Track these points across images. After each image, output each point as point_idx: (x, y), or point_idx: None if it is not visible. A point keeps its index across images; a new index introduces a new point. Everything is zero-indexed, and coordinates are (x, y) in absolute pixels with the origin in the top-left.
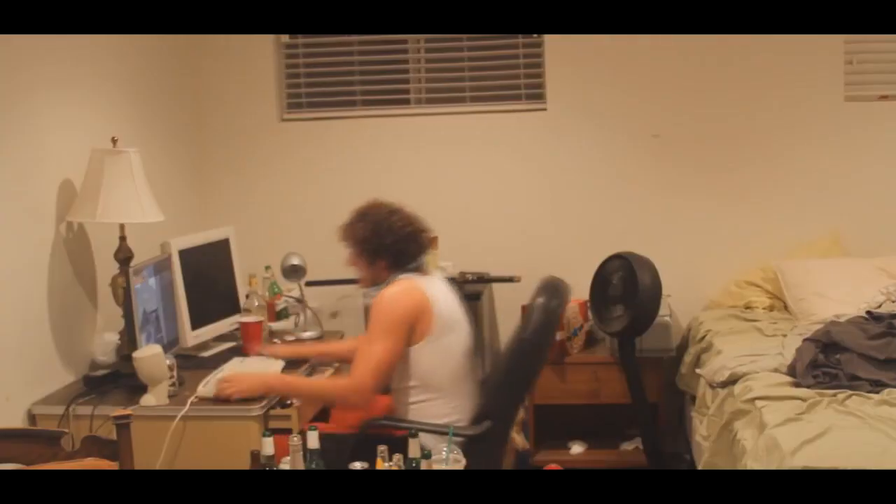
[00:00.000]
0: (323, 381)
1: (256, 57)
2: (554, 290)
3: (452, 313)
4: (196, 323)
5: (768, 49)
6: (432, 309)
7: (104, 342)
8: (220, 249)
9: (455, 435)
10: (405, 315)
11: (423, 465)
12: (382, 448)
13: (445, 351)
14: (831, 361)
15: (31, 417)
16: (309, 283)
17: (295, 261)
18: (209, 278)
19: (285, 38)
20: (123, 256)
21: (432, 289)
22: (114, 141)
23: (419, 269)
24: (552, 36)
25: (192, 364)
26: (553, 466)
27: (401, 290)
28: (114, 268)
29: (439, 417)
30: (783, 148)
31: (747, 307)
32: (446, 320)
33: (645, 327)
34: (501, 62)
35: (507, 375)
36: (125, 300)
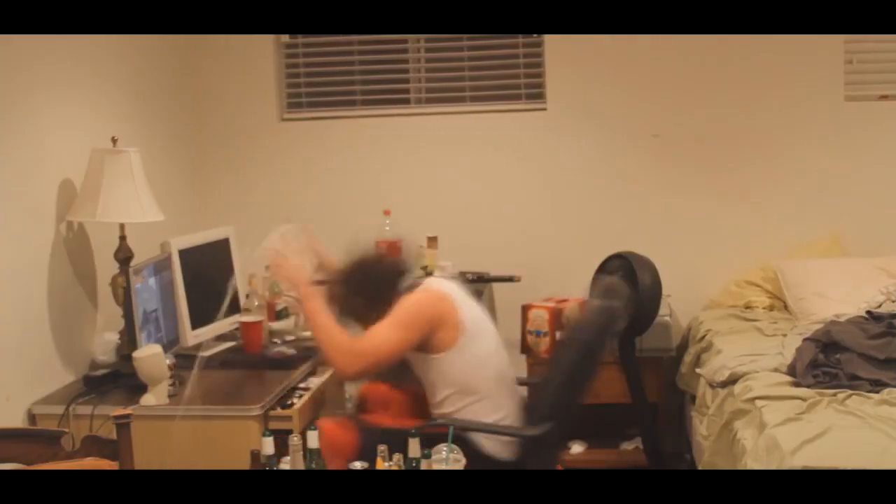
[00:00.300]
0: (332, 332)
1: (256, 57)
2: (613, 291)
3: (477, 316)
4: (196, 323)
5: (768, 49)
6: (458, 315)
7: (104, 342)
8: (219, 249)
9: (513, 435)
10: (428, 319)
11: (423, 465)
12: (382, 448)
13: (476, 355)
14: (831, 361)
15: (31, 417)
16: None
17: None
18: (209, 278)
19: (285, 38)
20: (123, 256)
21: (456, 294)
22: (114, 141)
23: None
24: (552, 36)
25: (192, 364)
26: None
27: (431, 294)
28: (114, 268)
29: (483, 419)
30: (783, 148)
31: (747, 307)
32: (473, 325)
33: (645, 327)
34: (501, 62)
35: (565, 377)
36: (125, 300)
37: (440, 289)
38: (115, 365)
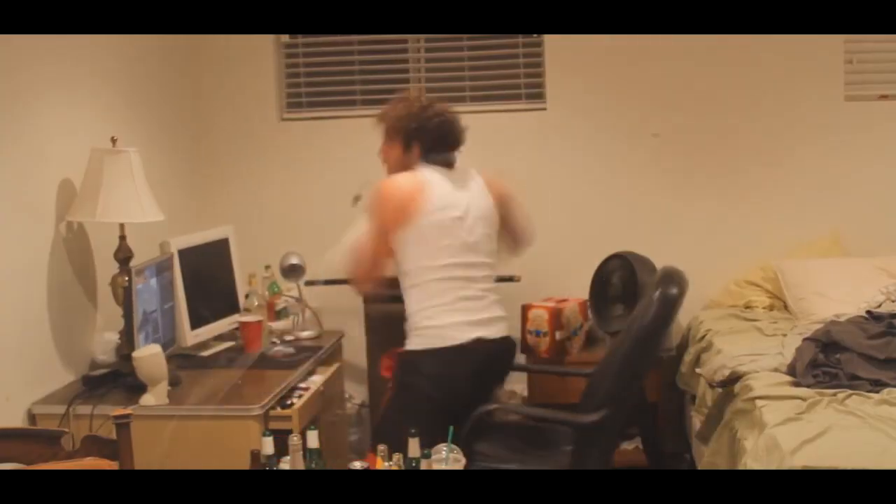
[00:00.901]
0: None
1: (256, 57)
2: (672, 278)
3: (444, 209)
4: (196, 323)
5: (768, 49)
6: (418, 202)
7: (104, 342)
8: (219, 249)
9: (569, 425)
10: (392, 208)
11: (423, 465)
12: (382, 448)
13: (425, 236)
14: (831, 361)
15: (31, 417)
16: (308, 283)
17: (294, 260)
18: (209, 278)
19: (285, 38)
20: (123, 256)
21: (434, 180)
22: (113, 141)
23: (448, 164)
24: (552, 36)
25: (191, 364)
26: None
27: (401, 181)
28: (114, 268)
29: (416, 304)
30: (783, 148)
31: (747, 307)
32: (435, 210)
33: None
34: (501, 62)
35: (623, 364)
36: (125, 300)
37: (413, 176)
38: (114, 365)
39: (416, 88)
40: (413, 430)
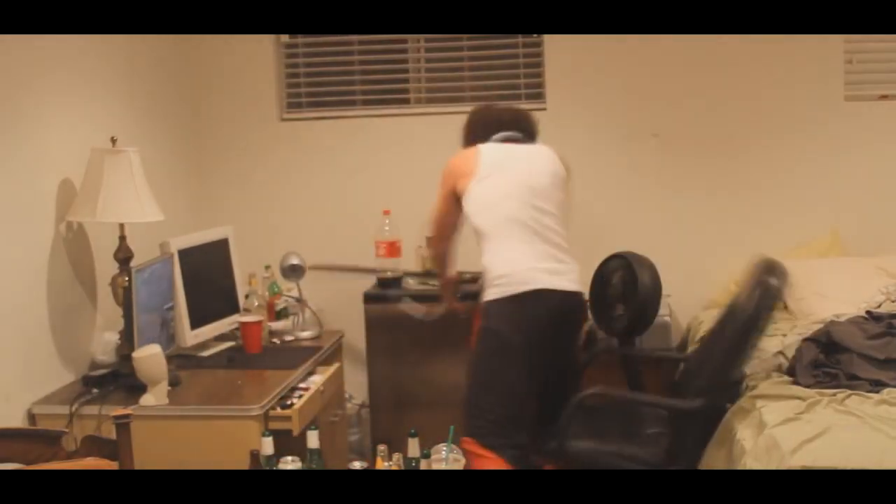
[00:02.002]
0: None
1: (256, 57)
2: (773, 269)
3: (497, 161)
4: (195, 323)
5: (768, 49)
6: (476, 162)
7: (104, 342)
8: (219, 249)
9: (671, 410)
10: (452, 171)
11: (423, 465)
12: (382, 448)
13: (482, 195)
14: (831, 361)
15: (31, 417)
16: (312, 267)
17: (294, 260)
18: (209, 278)
19: (285, 38)
20: (123, 256)
21: (488, 147)
22: (113, 141)
23: (509, 140)
24: (552, 36)
25: (191, 364)
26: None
27: (462, 152)
28: (114, 268)
29: (492, 257)
30: (783, 147)
31: None
32: (486, 168)
33: (645, 327)
34: (501, 62)
35: (723, 352)
36: (125, 300)
37: (473, 147)
38: (114, 365)
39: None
40: (413, 431)
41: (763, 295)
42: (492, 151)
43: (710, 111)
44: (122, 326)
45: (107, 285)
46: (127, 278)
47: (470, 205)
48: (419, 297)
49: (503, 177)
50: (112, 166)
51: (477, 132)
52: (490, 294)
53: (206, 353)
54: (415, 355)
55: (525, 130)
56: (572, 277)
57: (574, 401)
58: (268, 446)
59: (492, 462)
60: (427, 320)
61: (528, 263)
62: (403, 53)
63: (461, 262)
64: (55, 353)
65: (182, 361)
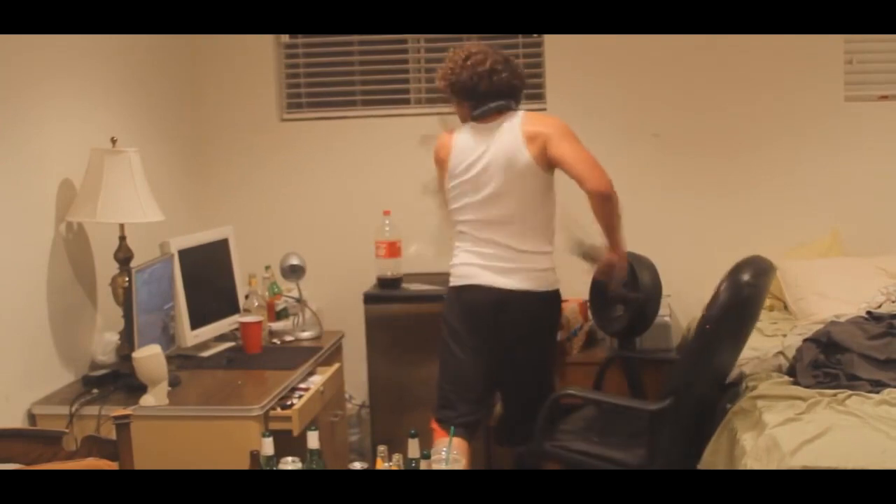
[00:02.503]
0: (606, 221)
1: (256, 57)
2: (746, 265)
3: (465, 162)
4: (196, 323)
5: (768, 49)
6: (449, 155)
7: (104, 342)
8: (219, 249)
9: (637, 412)
10: (437, 160)
11: (423, 466)
12: (382, 448)
13: (450, 192)
14: (831, 362)
15: (31, 417)
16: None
17: (294, 261)
18: (209, 278)
19: (285, 38)
20: (123, 256)
21: (459, 142)
22: (113, 141)
23: (483, 117)
24: (552, 36)
25: (191, 364)
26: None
27: (440, 138)
28: (114, 268)
29: (455, 250)
30: (783, 148)
31: None
32: (453, 167)
33: (645, 327)
34: None
35: (690, 353)
36: (125, 300)
37: (447, 137)
38: (114, 365)
39: (467, 44)
40: (413, 431)
41: (731, 293)
42: (459, 147)
43: (711, 111)
44: (123, 327)
45: (107, 286)
46: (127, 279)
47: (447, 195)
48: (419, 298)
49: (461, 185)
50: (112, 166)
51: (454, 95)
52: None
53: (205, 354)
54: (415, 355)
55: (499, 96)
56: (521, 277)
57: (548, 401)
58: (268, 447)
59: (438, 434)
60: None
61: (472, 259)
62: (403, 53)
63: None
64: (55, 354)
65: (182, 362)
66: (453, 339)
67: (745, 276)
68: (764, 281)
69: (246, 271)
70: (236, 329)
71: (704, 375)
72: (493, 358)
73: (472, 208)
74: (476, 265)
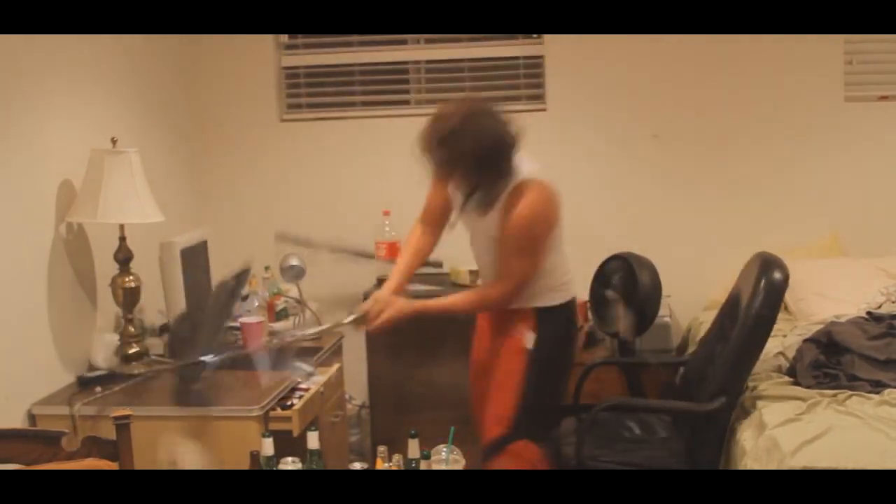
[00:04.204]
0: (470, 297)
1: (256, 57)
2: (772, 265)
3: None
4: None
5: (768, 49)
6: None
7: (104, 343)
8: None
9: (690, 413)
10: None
11: (423, 466)
12: (382, 449)
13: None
14: (831, 362)
15: (31, 417)
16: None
17: (294, 261)
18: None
19: (285, 38)
20: (123, 257)
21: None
22: (113, 141)
23: None
24: (552, 36)
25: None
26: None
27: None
28: (114, 268)
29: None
30: (783, 148)
31: None
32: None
33: (645, 327)
34: (501, 62)
35: (737, 353)
36: (125, 301)
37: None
38: (115, 367)
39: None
40: (413, 431)
41: (769, 291)
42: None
43: (710, 112)
44: (122, 327)
45: (107, 286)
46: (127, 279)
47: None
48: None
49: None
50: (112, 167)
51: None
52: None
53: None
54: (415, 355)
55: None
56: None
57: (592, 412)
58: (268, 447)
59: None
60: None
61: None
62: (403, 53)
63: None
64: (55, 354)
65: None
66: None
67: (778, 275)
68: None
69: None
70: (236, 329)
71: (749, 373)
72: None
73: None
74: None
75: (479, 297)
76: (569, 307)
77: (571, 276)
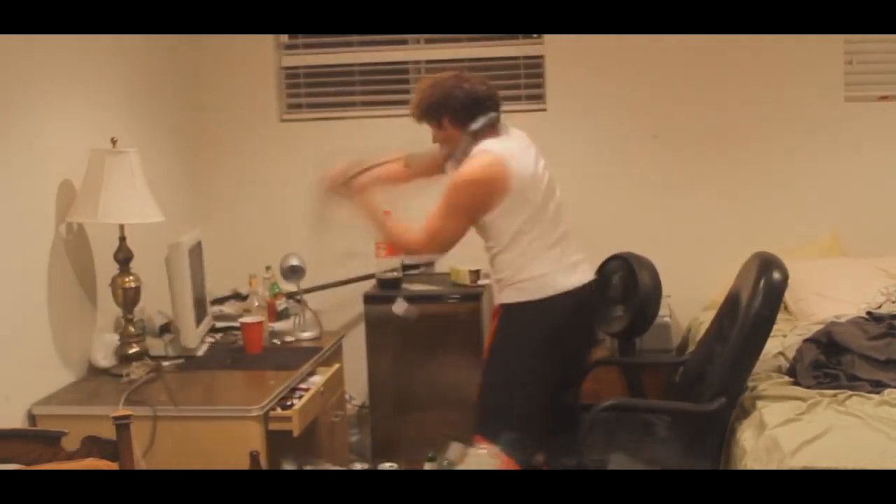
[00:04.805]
0: (397, 227)
1: (256, 57)
2: (771, 265)
3: (528, 172)
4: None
5: (768, 49)
6: (509, 178)
7: (104, 343)
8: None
9: (690, 414)
10: (483, 201)
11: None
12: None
13: (523, 208)
14: (831, 362)
15: (31, 418)
16: (307, 291)
17: (294, 262)
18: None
19: (285, 38)
20: (123, 257)
21: (513, 160)
22: (113, 141)
23: (493, 129)
24: (552, 36)
25: (192, 364)
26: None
27: (486, 172)
28: (114, 268)
29: (542, 253)
30: (783, 148)
31: None
32: (521, 181)
33: (645, 328)
34: (501, 62)
35: (737, 353)
36: (125, 300)
37: (496, 159)
38: (113, 368)
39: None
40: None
41: (768, 291)
42: (520, 158)
43: (710, 112)
44: (122, 327)
45: (106, 286)
46: (127, 279)
47: (497, 219)
48: (420, 298)
49: (527, 191)
50: (112, 167)
51: (449, 111)
52: (514, 296)
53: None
54: (415, 355)
55: (497, 107)
56: (586, 268)
57: (592, 413)
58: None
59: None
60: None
61: (547, 267)
62: (403, 53)
63: (463, 260)
64: (55, 354)
65: (184, 363)
66: (540, 359)
67: (777, 275)
68: (786, 279)
69: (246, 272)
70: (236, 329)
71: (749, 373)
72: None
73: (538, 207)
74: (557, 271)
75: (401, 231)
76: (532, 307)
77: (546, 279)
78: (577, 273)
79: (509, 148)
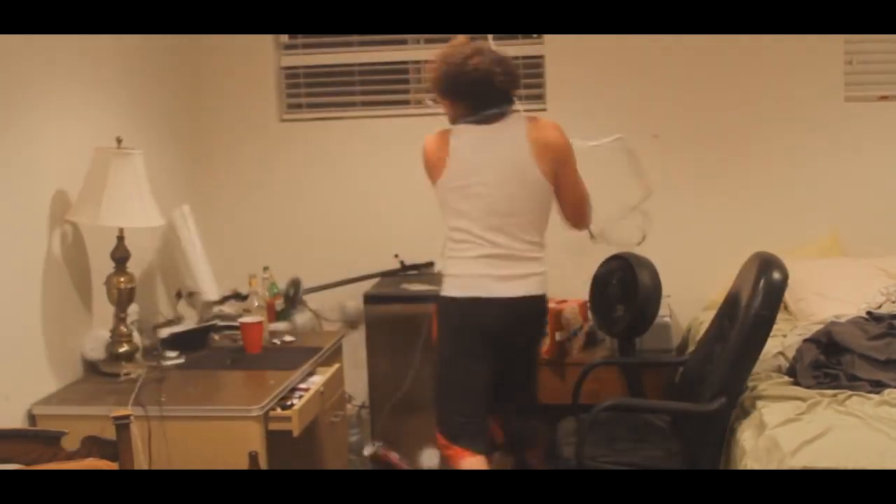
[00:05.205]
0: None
1: (256, 57)
2: (771, 265)
3: (463, 172)
4: None
5: (768, 49)
6: (443, 163)
7: (94, 337)
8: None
9: (690, 414)
10: (424, 163)
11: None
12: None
13: (445, 199)
14: (831, 362)
15: (31, 417)
16: (307, 291)
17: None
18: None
19: (285, 38)
20: (120, 256)
21: (458, 146)
22: (118, 141)
23: (484, 120)
24: (552, 36)
25: (192, 364)
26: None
27: (429, 141)
28: (109, 267)
29: (449, 258)
30: (783, 148)
31: None
32: (452, 175)
33: (645, 328)
34: None
35: (737, 353)
36: (119, 299)
37: (441, 139)
38: (103, 364)
39: (460, 39)
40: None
41: (768, 291)
42: (459, 153)
43: (711, 112)
44: (114, 325)
45: (101, 284)
46: (122, 278)
47: (439, 200)
48: (420, 298)
49: (461, 193)
50: (118, 168)
51: (449, 96)
52: (443, 289)
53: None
54: (415, 355)
55: (500, 101)
56: (524, 283)
57: (591, 413)
58: None
59: (460, 455)
60: None
61: (476, 269)
62: (403, 53)
63: None
64: (55, 354)
65: (184, 362)
66: (464, 354)
67: (777, 275)
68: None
69: (246, 271)
70: (236, 329)
71: (749, 373)
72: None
73: (470, 216)
74: (481, 275)
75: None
76: (452, 305)
77: (470, 280)
78: (512, 283)
79: (457, 128)
